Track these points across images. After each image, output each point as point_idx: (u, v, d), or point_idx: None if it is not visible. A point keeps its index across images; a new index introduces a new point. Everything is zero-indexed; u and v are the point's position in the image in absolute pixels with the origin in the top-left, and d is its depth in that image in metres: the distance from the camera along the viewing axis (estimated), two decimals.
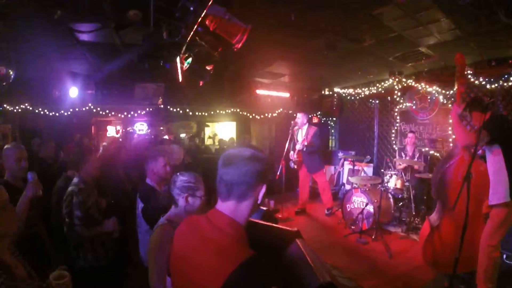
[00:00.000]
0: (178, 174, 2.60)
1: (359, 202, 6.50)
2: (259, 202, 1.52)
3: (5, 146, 3.34)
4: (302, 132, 7.60)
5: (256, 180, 1.45)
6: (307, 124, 7.63)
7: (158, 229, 2.33)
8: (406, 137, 7.57)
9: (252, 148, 1.50)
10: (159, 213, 2.58)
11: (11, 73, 4.05)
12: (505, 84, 6.25)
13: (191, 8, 2.79)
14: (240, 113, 10.62)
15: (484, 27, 4.78)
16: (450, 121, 7.32)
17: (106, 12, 3.27)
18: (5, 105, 7.82)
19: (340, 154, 9.72)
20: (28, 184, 2.92)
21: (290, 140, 7.62)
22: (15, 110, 7.91)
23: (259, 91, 9.48)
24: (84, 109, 8.35)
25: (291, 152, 7.67)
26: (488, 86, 6.41)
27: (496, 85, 6.28)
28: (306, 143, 7.36)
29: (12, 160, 3.17)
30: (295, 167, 7.80)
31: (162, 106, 9.08)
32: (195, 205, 2.50)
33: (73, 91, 7.42)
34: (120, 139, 9.26)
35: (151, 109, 9.29)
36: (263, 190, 1.51)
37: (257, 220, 2.58)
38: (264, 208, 3.68)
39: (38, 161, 5.23)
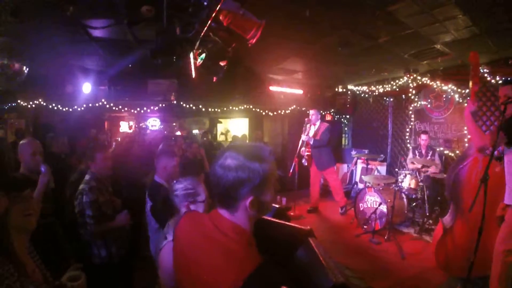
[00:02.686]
0: (175, 182, 2.45)
1: (372, 201, 6.44)
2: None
3: (21, 141, 3.43)
4: (314, 128, 7.60)
5: (261, 182, 1.33)
6: (319, 121, 7.62)
7: (170, 247, 2.15)
8: (419, 137, 7.48)
9: (258, 144, 1.40)
10: (168, 211, 2.49)
11: (24, 68, 4.07)
12: None
13: (205, 3, 2.77)
14: (253, 109, 10.60)
15: (502, 24, 4.68)
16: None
17: (118, 8, 3.26)
18: (19, 101, 7.90)
19: (353, 153, 9.67)
20: (41, 175, 3.10)
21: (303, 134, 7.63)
22: (29, 106, 7.99)
23: (272, 88, 9.44)
24: (97, 104, 8.40)
25: (303, 148, 7.67)
26: None
27: None
28: (317, 138, 7.36)
29: (27, 154, 3.30)
30: (307, 163, 7.79)
31: (175, 102, 9.09)
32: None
33: (86, 87, 7.46)
34: (133, 135, 9.31)
35: (164, 105, 9.31)
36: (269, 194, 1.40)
37: (269, 218, 2.55)
38: (277, 206, 3.65)
39: (51, 156, 5.26)
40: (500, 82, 6.18)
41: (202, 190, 2.42)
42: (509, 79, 3.79)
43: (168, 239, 2.15)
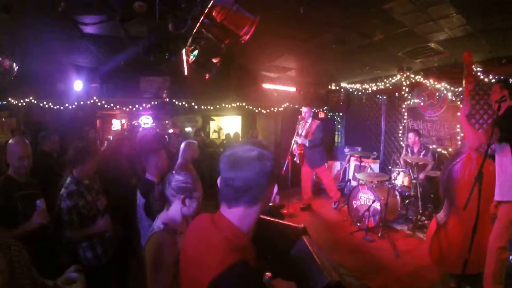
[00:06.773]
0: (173, 172, 2.43)
1: (365, 198, 6.45)
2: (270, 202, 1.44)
3: (10, 141, 3.27)
4: (306, 126, 7.59)
5: (269, 181, 1.33)
6: (311, 119, 7.63)
7: (154, 238, 2.14)
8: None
9: (256, 145, 1.37)
10: (162, 206, 2.47)
11: (15, 66, 3.99)
12: None
13: None
14: (246, 107, 10.55)
15: (496, 24, 4.70)
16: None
17: (110, 4, 3.21)
18: (10, 99, 7.79)
19: (346, 150, 9.66)
20: (35, 213, 2.88)
21: (296, 135, 7.61)
22: (20, 104, 7.88)
23: (266, 85, 9.41)
24: (89, 102, 8.30)
25: (294, 146, 7.65)
26: None
27: None
28: (310, 138, 7.35)
29: (15, 157, 3.10)
30: (298, 161, 7.78)
31: (167, 99, 9.03)
32: (191, 208, 2.33)
33: (78, 85, 7.39)
34: (125, 133, 9.24)
35: (156, 103, 9.25)
36: (276, 190, 1.42)
37: (264, 216, 2.51)
38: (270, 204, 3.61)
39: (43, 155, 5.20)
40: (493, 81, 6.22)
41: (199, 187, 2.40)
42: (501, 78, 3.82)
43: (154, 230, 2.13)
